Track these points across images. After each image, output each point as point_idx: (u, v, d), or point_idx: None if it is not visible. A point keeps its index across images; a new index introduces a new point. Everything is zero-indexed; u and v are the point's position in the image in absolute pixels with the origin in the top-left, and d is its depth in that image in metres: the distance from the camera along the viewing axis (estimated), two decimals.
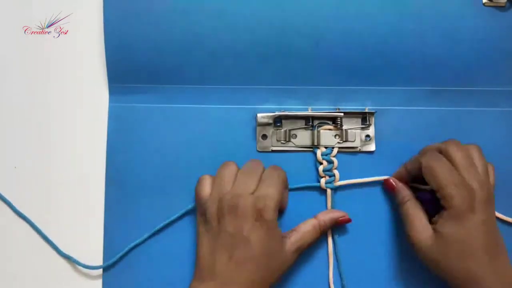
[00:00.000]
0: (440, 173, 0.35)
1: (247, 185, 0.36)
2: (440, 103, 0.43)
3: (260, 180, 0.37)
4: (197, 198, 0.38)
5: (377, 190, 0.42)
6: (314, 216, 0.39)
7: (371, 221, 0.41)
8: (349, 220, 0.40)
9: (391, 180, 0.40)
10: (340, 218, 0.39)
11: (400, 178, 0.40)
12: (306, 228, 0.38)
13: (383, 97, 0.43)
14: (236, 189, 0.36)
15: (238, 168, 0.38)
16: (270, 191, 0.35)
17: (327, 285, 0.40)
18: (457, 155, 0.36)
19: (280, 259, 0.35)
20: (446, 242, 0.34)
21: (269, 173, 0.37)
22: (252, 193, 0.35)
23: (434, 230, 0.35)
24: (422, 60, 0.43)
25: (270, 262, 0.35)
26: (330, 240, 0.40)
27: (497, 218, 0.41)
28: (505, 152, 0.42)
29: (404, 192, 0.39)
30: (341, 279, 0.40)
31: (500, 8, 0.43)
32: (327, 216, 0.39)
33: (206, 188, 0.38)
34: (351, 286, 0.40)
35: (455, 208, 0.34)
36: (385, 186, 0.41)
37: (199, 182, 0.39)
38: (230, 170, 0.38)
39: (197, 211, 0.38)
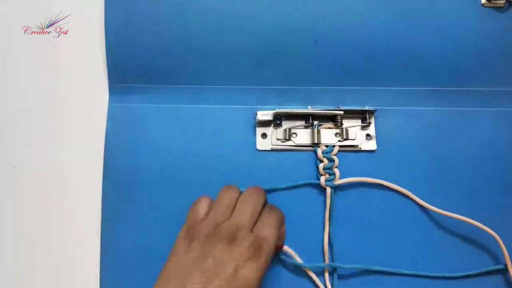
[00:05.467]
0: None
1: (246, 218, 0.35)
2: (440, 103, 0.43)
3: (260, 214, 0.36)
4: (191, 215, 0.37)
5: (377, 190, 0.41)
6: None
7: (371, 221, 0.41)
8: None
9: None
10: None
11: None
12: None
13: (383, 97, 0.43)
14: (234, 219, 0.35)
15: (240, 193, 0.37)
16: (269, 235, 0.34)
17: (324, 285, 0.40)
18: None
19: None
20: None
21: (268, 213, 0.36)
22: (251, 229, 0.34)
23: None
24: (422, 60, 0.43)
25: None
26: (326, 238, 0.40)
27: None
28: (505, 152, 0.42)
29: None
30: (336, 278, 0.40)
31: (499, 9, 0.43)
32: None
33: (204, 208, 0.36)
34: (349, 286, 0.40)
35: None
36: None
37: (197, 200, 0.37)
38: (231, 196, 0.36)
39: (185, 226, 0.36)
